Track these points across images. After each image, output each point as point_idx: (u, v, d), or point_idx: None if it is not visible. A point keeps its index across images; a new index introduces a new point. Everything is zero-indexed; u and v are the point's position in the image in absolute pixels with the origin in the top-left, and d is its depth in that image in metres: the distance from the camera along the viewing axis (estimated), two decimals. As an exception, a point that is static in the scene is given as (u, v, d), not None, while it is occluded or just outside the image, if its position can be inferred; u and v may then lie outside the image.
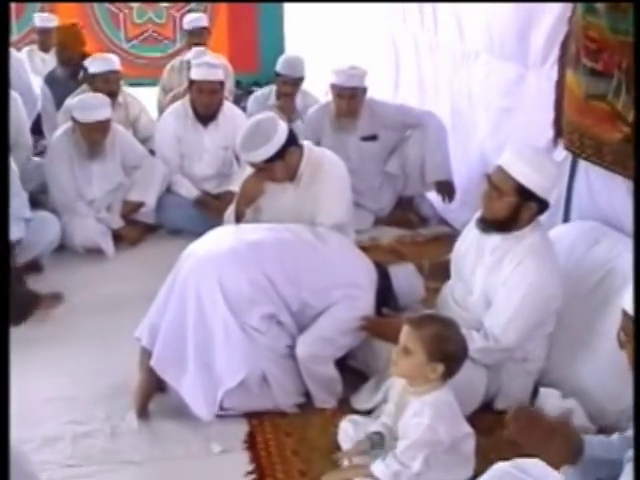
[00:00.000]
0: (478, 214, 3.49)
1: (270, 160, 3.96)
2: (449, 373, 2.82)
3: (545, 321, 3.37)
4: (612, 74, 3.40)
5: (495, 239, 3.39)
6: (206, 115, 5.66)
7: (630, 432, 2.29)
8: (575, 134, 3.81)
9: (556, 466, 2.38)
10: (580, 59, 3.63)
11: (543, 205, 3.33)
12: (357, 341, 3.58)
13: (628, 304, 2.28)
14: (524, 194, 3.26)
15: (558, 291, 3.32)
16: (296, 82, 6.46)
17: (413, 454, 2.74)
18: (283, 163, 4.00)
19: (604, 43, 3.42)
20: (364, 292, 3.56)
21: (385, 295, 3.66)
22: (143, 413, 3.42)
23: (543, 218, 3.45)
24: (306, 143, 4.22)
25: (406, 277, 3.74)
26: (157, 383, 3.46)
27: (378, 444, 2.92)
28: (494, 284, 3.34)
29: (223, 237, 3.65)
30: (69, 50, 6.73)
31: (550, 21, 4.06)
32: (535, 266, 3.26)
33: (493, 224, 3.37)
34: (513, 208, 3.29)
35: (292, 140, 4.04)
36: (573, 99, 3.78)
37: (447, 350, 2.80)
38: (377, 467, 2.82)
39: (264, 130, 3.96)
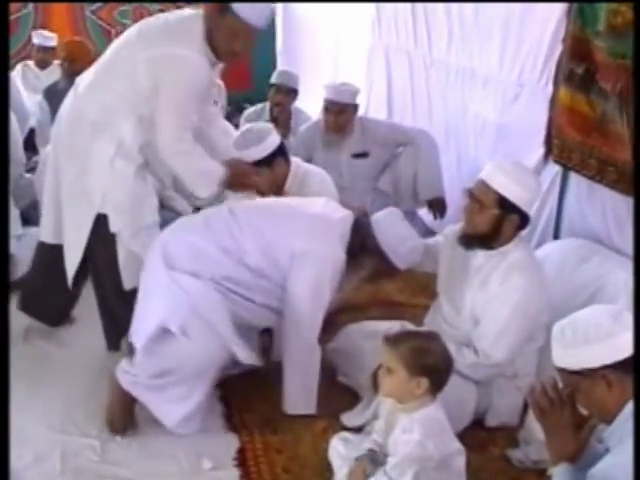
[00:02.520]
0: (460, 231, 3.51)
1: (258, 164, 4.00)
2: (435, 386, 2.82)
3: (535, 336, 3.38)
4: (613, 94, 3.45)
5: (479, 258, 3.41)
6: (197, 132, 5.68)
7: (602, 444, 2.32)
8: (576, 153, 3.83)
9: (559, 459, 2.41)
10: (596, 81, 3.64)
11: (524, 219, 3.35)
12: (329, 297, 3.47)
13: (558, 358, 2.33)
14: (505, 206, 3.29)
15: (545, 305, 3.34)
16: (288, 92, 6.49)
17: (402, 470, 2.72)
18: (270, 172, 4.05)
19: (605, 66, 3.45)
20: (326, 249, 3.39)
21: (369, 247, 3.48)
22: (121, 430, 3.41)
23: (525, 233, 3.46)
24: (294, 159, 4.26)
25: (391, 223, 3.51)
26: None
27: (375, 462, 2.91)
28: (482, 302, 3.36)
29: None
30: (78, 63, 6.73)
31: (546, 40, 4.09)
32: (521, 282, 3.28)
33: (476, 239, 3.39)
34: (495, 221, 3.31)
35: (282, 151, 4.12)
36: (579, 119, 3.80)
37: (427, 363, 2.79)
38: None
39: (257, 132, 4.08)
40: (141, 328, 3.29)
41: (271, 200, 3.77)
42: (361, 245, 3.46)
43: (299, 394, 3.49)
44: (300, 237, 3.38)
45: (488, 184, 3.31)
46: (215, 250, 3.36)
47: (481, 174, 3.38)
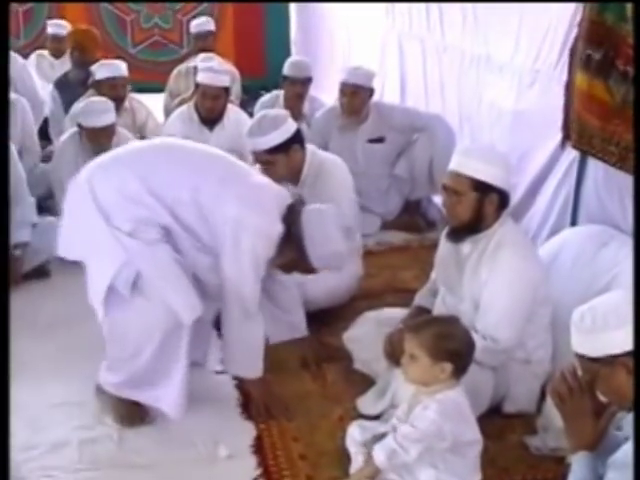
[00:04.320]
0: (447, 227, 3.51)
1: (274, 151, 4.00)
2: (459, 370, 2.82)
3: (538, 312, 3.37)
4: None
5: (467, 245, 3.41)
6: (209, 119, 5.68)
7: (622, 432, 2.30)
8: (596, 139, 3.80)
9: (578, 447, 2.40)
10: (615, 66, 3.60)
11: (504, 197, 3.36)
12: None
13: (577, 344, 2.31)
14: (481, 188, 3.30)
15: (539, 275, 3.35)
16: (304, 82, 6.47)
17: (412, 442, 2.72)
18: (286, 159, 4.06)
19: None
20: (262, 222, 3.24)
21: (293, 235, 3.32)
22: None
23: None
24: (309, 147, 4.26)
25: (320, 220, 3.36)
26: None
27: None
28: (478, 288, 3.35)
29: None
30: (86, 53, 6.76)
31: (563, 24, 4.05)
32: (509, 259, 3.28)
33: (463, 230, 3.39)
34: (475, 206, 3.32)
35: (298, 138, 4.12)
36: (597, 105, 3.75)
37: (450, 348, 2.80)
38: (376, 448, 2.81)
39: (273, 119, 4.09)
40: (93, 292, 3.24)
41: (208, 149, 3.56)
42: (286, 230, 3.31)
43: (239, 361, 3.39)
44: (237, 204, 3.21)
45: (459, 172, 3.32)
46: (147, 196, 3.20)
47: (450, 165, 3.39)
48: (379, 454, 2.78)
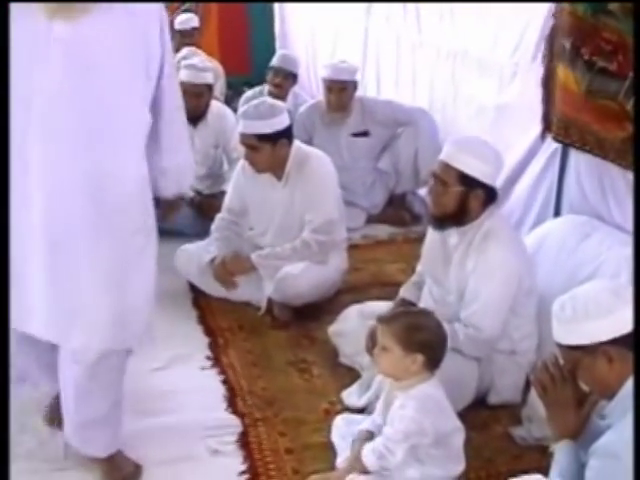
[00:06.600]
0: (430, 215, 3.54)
1: (262, 138, 4.01)
2: (431, 362, 2.82)
3: (523, 303, 3.40)
4: (626, 75, 3.39)
5: (454, 236, 3.43)
6: (192, 116, 5.66)
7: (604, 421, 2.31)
8: (573, 129, 3.82)
9: (560, 436, 2.42)
10: (580, 55, 3.62)
11: (491, 193, 3.37)
12: None
13: (558, 334, 2.32)
14: (468, 182, 3.31)
15: (524, 268, 3.37)
16: (287, 75, 6.55)
17: (396, 443, 2.73)
18: (271, 150, 4.08)
19: (620, 45, 3.41)
20: None
21: None
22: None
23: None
24: (294, 142, 4.27)
25: None
26: None
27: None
28: (464, 279, 3.37)
29: None
30: None
31: (542, 17, 4.05)
32: (495, 249, 3.30)
33: (446, 219, 3.41)
34: (459, 198, 3.33)
35: (288, 134, 4.13)
36: (568, 94, 3.78)
37: (421, 339, 2.81)
38: (365, 451, 2.81)
39: (271, 107, 4.14)
40: None
41: None
42: None
43: None
44: None
45: (448, 163, 3.34)
46: None
47: (441, 154, 3.41)
48: (369, 457, 2.79)
